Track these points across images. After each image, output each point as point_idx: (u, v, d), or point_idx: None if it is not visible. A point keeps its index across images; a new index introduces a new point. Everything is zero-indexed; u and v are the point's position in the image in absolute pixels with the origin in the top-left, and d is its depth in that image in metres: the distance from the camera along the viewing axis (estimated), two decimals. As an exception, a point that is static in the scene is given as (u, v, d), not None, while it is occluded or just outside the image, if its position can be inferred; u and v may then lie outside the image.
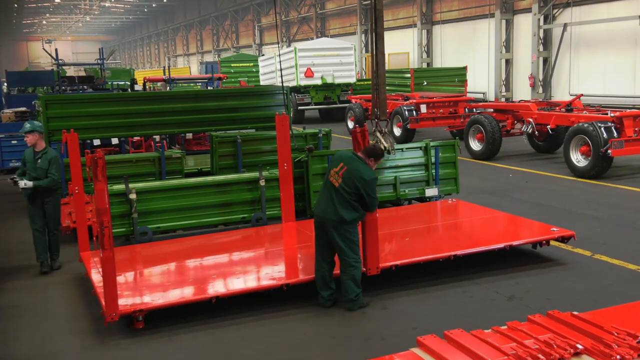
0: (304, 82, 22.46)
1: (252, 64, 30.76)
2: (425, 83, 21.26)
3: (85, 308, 5.95)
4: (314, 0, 37.93)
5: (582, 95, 14.68)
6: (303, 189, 8.25)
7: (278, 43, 24.39)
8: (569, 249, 7.12)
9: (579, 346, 3.49)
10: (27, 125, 7.00)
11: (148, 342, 5.18)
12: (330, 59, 22.62)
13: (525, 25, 23.12)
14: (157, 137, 11.91)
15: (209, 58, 51.02)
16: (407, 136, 16.39)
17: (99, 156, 5.10)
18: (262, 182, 7.95)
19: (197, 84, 25.16)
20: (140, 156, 9.98)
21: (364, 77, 28.71)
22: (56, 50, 19.26)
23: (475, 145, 13.94)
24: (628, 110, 11.80)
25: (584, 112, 12.46)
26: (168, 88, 20.37)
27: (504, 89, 24.29)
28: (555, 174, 11.90)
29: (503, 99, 23.58)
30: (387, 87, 22.55)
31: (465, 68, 22.07)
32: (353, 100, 20.41)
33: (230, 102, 9.72)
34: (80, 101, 9.59)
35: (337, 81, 22.73)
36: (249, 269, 6.38)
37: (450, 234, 7.35)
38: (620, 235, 7.81)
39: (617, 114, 11.41)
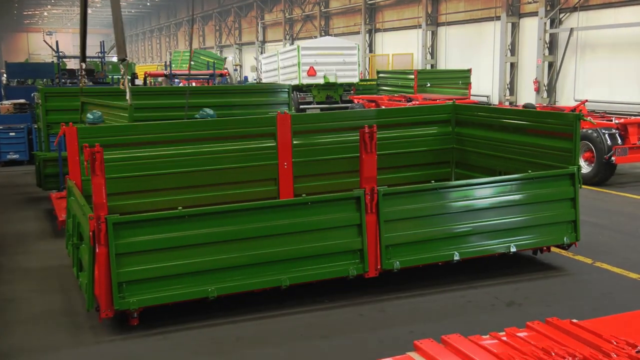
0: (307, 80, 22.41)
1: None
2: (429, 85, 21.21)
3: (80, 303, 5.89)
4: (319, -2, 37.90)
5: (587, 100, 14.61)
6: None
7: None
8: (570, 255, 7.07)
9: (578, 354, 3.44)
10: None
11: (142, 339, 5.13)
12: (333, 58, 22.56)
13: (531, 29, 23.04)
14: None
15: (212, 54, 50.99)
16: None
17: (97, 150, 5.04)
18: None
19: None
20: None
21: (367, 77, 28.66)
22: (57, 42, 19.20)
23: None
24: (633, 117, 11.75)
25: (589, 118, 12.39)
26: (170, 84, 20.32)
27: (508, 92, 24.22)
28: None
29: (507, 103, 23.51)
30: (389, 88, 22.52)
31: (469, 70, 21.98)
32: (355, 100, 20.35)
33: (232, 99, 9.69)
34: (79, 95, 9.54)
35: (340, 81, 22.67)
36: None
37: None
38: (622, 244, 7.75)
39: (622, 120, 11.35)
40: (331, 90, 22.87)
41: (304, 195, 5.78)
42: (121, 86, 8.09)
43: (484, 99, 24.44)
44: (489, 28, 25.05)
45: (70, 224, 6.40)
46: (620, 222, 8.79)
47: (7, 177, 13.00)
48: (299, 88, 22.44)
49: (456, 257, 6.05)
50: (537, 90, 22.50)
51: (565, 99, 21.58)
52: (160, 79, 23.54)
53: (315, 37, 35.46)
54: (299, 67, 22.24)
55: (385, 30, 32.15)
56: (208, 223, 5.35)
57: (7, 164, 14.19)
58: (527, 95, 23.25)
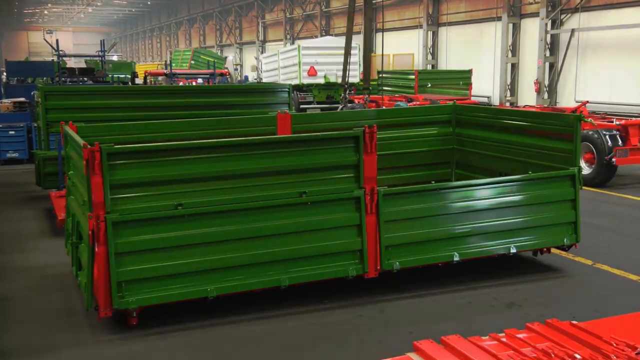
0: (307, 80, 22.40)
1: None
2: (430, 85, 21.20)
3: (79, 303, 5.87)
4: (319, -2, 37.87)
5: (587, 102, 14.60)
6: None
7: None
8: (570, 257, 7.06)
9: (577, 356, 3.43)
10: None
11: (141, 338, 5.11)
12: (334, 58, 22.55)
13: (532, 30, 23.03)
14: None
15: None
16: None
17: (97, 149, 5.02)
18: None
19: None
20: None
21: (368, 77, 28.61)
22: (57, 41, 19.17)
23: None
24: (634, 119, 11.73)
25: (589, 119, 12.38)
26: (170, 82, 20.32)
27: (508, 93, 24.20)
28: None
29: (508, 104, 23.50)
30: (390, 89, 22.55)
31: (470, 71, 21.97)
32: (356, 101, 20.34)
33: (232, 98, 9.67)
34: (79, 93, 9.56)
35: (340, 81, 22.65)
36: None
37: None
38: (622, 245, 7.74)
39: (623, 122, 11.34)
40: (332, 90, 22.86)
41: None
42: None
43: (485, 100, 24.44)
44: (490, 28, 25.03)
45: (70, 223, 6.39)
46: (621, 224, 8.78)
47: (7, 176, 12.99)
48: (299, 88, 22.43)
49: (456, 258, 6.03)
50: (538, 91, 22.49)
51: (566, 100, 21.56)
52: (160, 78, 23.55)
53: (316, 36, 35.44)
54: (299, 67, 22.24)
55: (386, 30, 32.14)
56: (208, 222, 5.34)
57: (7, 162, 14.17)
58: (527, 96, 23.24)
